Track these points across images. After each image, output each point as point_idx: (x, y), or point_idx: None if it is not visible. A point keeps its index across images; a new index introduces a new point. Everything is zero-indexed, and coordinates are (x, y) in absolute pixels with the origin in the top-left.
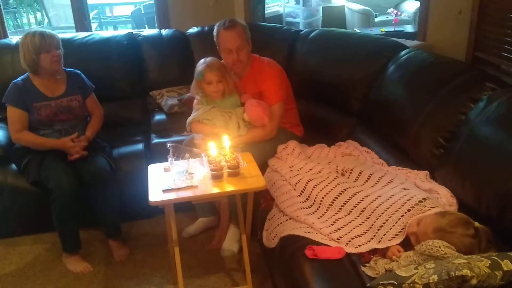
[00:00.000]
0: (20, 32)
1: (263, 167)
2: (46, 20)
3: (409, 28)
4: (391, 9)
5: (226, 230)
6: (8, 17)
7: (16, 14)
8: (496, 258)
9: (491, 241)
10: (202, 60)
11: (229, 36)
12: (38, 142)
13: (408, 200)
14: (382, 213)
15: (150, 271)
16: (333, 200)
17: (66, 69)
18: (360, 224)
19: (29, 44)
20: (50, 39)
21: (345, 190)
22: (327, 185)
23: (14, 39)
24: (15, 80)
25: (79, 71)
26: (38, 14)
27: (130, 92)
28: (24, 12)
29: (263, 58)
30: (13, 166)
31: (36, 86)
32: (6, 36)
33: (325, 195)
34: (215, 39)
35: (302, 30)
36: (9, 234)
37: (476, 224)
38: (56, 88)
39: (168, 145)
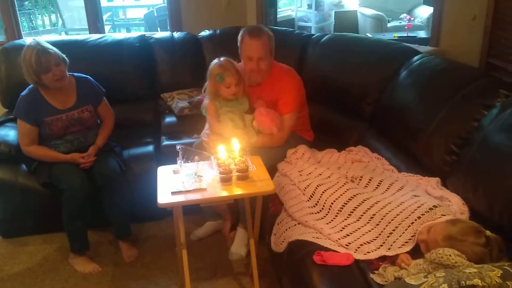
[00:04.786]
0: (34, 34)
1: (272, 171)
2: (60, 22)
3: (422, 34)
4: (404, 15)
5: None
6: (23, 19)
7: (31, 16)
8: (508, 268)
9: (503, 250)
10: (216, 61)
11: (252, 45)
12: (48, 156)
13: (418, 207)
14: (392, 220)
15: (158, 273)
16: (342, 205)
17: (75, 74)
18: (370, 231)
19: (28, 65)
20: (46, 58)
21: (355, 196)
22: (336, 191)
23: (28, 40)
24: (23, 93)
25: (88, 76)
26: (53, 16)
27: (141, 94)
28: (39, 14)
29: (282, 65)
30: (24, 166)
31: (45, 98)
32: (20, 37)
33: (334, 201)
34: (238, 43)
35: (313, 35)
36: (19, 233)
37: (488, 232)
38: (66, 99)
39: (178, 147)
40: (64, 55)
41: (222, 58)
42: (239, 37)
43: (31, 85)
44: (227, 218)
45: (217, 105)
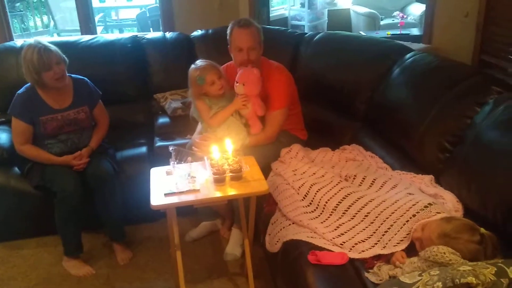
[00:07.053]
0: (26, 35)
1: (266, 170)
2: (52, 23)
3: (415, 31)
4: (397, 12)
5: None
6: (15, 21)
7: (23, 17)
8: (502, 265)
9: (497, 248)
10: (193, 66)
11: (242, 35)
12: (41, 157)
13: (413, 205)
14: (387, 218)
15: (152, 275)
16: (336, 204)
17: (72, 75)
18: (364, 229)
19: (29, 63)
20: (48, 56)
21: (349, 194)
22: (330, 189)
23: (19, 42)
24: (20, 92)
25: (86, 78)
26: (45, 17)
27: (134, 95)
28: (31, 16)
29: (272, 62)
30: (16, 169)
31: (42, 97)
32: (11, 39)
33: (328, 200)
34: (228, 37)
35: (306, 33)
36: (12, 237)
37: (482, 230)
38: (63, 99)
39: (171, 148)
40: (64, 55)
41: (197, 61)
42: (228, 31)
43: (28, 84)
44: (226, 217)
45: (207, 102)
